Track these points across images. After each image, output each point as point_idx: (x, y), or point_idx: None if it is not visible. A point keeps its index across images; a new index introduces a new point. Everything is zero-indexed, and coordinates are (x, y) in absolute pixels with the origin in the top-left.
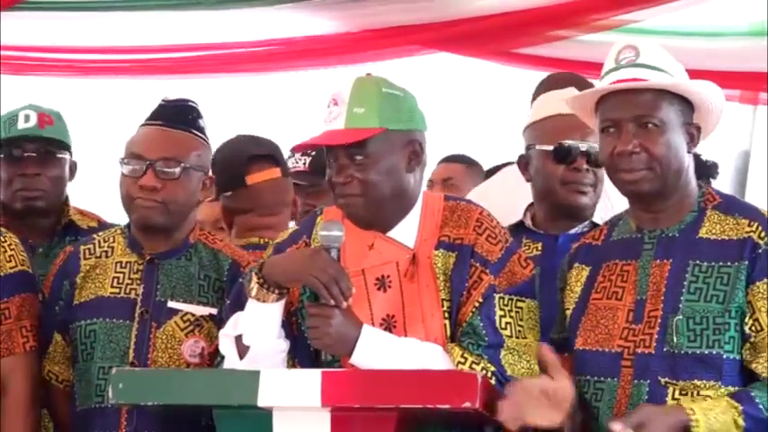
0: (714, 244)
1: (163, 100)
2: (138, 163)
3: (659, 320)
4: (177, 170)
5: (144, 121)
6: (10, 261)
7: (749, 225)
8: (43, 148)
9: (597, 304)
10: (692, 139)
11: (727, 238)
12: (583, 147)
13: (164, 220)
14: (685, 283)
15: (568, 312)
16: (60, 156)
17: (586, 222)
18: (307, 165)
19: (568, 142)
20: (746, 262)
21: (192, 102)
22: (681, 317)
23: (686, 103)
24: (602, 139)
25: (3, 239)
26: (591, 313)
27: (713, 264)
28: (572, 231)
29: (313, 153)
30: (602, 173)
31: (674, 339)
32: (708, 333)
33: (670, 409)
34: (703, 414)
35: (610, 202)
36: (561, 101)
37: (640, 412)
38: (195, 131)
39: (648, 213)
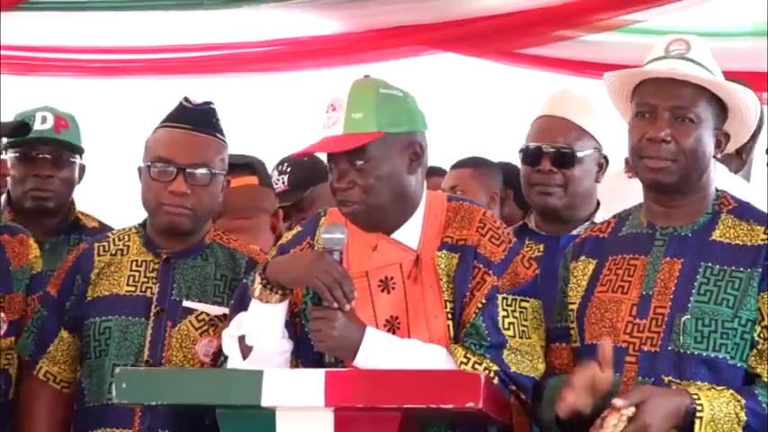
0: (727, 248)
1: (186, 102)
2: (168, 167)
3: (666, 318)
4: (207, 176)
5: (167, 123)
6: (37, 261)
7: (765, 233)
8: (58, 151)
9: (601, 297)
10: (719, 145)
11: (741, 243)
12: (547, 148)
13: (191, 226)
14: (696, 283)
15: (574, 306)
16: (72, 159)
17: (587, 224)
18: (286, 183)
19: (532, 144)
20: (760, 269)
21: (212, 103)
22: (689, 317)
23: (721, 108)
24: (633, 123)
25: (30, 241)
26: (595, 306)
27: (725, 267)
28: (574, 232)
29: (290, 170)
30: (574, 173)
31: (681, 339)
32: (715, 336)
33: (673, 391)
34: (708, 401)
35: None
36: (549, 103)
37: (642, 390)
38: (219, 135)
39: (662, 209)
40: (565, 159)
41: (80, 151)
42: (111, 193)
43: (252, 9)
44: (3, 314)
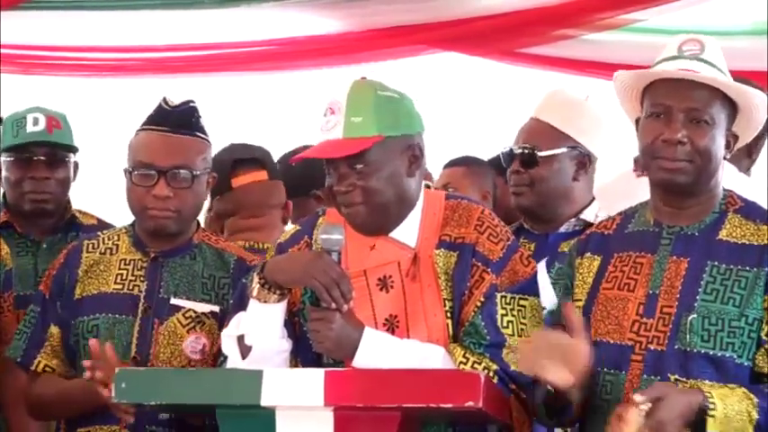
0: (734, 247)
1: (165, 103)
2: (149, 172)
3: (673, 318)
4: (188, 178)
5: (146, 126)
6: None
7: None
8: (52, 152)
9: (607, 294)
10: (728, 146)
11: (747, 242)
12: (515, 149)
13: (177, 228)
14: (702, 282)
15: (580, 303)
16: (67, 159)
17: (572, 221)
18: None
19: (507, 147)
20: (766, 269)
21: (192, 102)
22: (695, 316)
23: (732, 109)
24: (646, 123)
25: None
26: (601, 303)
27: (732, 267)
28: (561, 230)
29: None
30: (541, 172)
31: (687, 338)
32: (722, 335)
33: (687, 389)
34: (721, 399)
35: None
36: (538, 106)
37: (659, 387)
38: (200, 134)
39: (670, 208)
40: (529, 159)
41: (74, 150)
42: (109, 193)
43: (251, 8)
44: None
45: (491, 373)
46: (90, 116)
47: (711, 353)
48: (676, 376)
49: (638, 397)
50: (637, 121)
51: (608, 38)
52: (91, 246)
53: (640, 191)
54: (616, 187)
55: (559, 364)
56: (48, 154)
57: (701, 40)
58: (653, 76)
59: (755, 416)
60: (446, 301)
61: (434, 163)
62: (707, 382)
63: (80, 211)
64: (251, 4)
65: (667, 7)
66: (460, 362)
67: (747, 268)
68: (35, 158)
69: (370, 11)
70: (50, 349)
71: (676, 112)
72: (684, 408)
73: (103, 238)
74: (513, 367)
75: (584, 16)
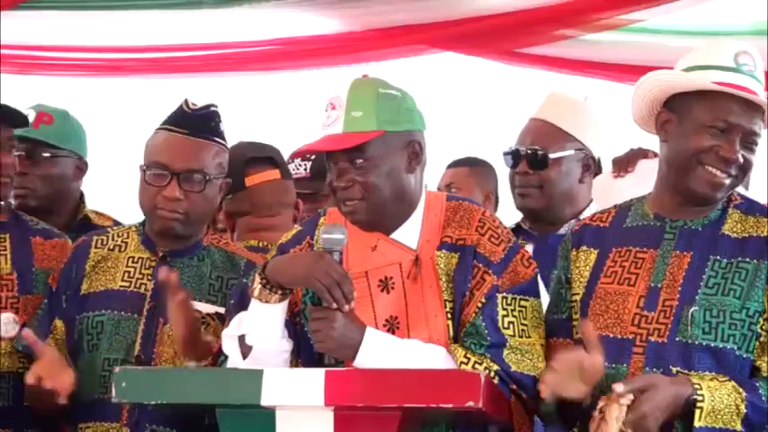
0: (735, 242)
1: (186, 105)
2: (162, 172)
3: (674, 310)
4: (201, 182)
5: (165, 125)
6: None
7: None
8: (30, 148)
9: (606, 289)
10: None
11: (747, 236)
12: (523, 150)
13: (185, 230)
14: (704, 276)
15: (577, 297)
16: (47, 155)
17: (572, 222)
18: (308, 170)
19: (511, 147)
20: (767, 261)
21: (214, 106)
22: (697, 308)
23: None
24: (702, 131)
25: (67, 245)
26: (599, 298)
27: (732, 260)
28: (561, 232)
29: (313, 158)
30: (550, 174)
31: (689, 330)
32: (723, 327)
33: (675, 380)
34: (709, 391)
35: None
36: (538, 106)
37: (646, 377)
38: (218, 139)
39: (678, 205)
40: (539, 161)
41: (59, 147)
42: (108, 191)
43: (251, 8)
44: (15, 316)
45: (492, 374)
46: (89, 116)
47: (713, 344)
48: (678, 368)
49: (618, 387)
50: (657, 116)
51: (608, 38)
52: (99, 241)
53: (616, 192)
54: (595, 187)
55: (576, 380)
56: (27, 150)
57: (752, 54)
58: (725, 90)
59: (744, 410)
60: (447, 303)
61: (433, 163)
62: (707, 373)
63: (95, 212)
64: (251, 4)
65: (667, 7)
66: (461, 362)
67: (748, 260)
68: (16, 154)
69: (370, 11)
70: (53, 343)
71: (738, 131)
72: (669, 401)
73: (112, 235)
74: (513, 368)
75: (583, 16)
